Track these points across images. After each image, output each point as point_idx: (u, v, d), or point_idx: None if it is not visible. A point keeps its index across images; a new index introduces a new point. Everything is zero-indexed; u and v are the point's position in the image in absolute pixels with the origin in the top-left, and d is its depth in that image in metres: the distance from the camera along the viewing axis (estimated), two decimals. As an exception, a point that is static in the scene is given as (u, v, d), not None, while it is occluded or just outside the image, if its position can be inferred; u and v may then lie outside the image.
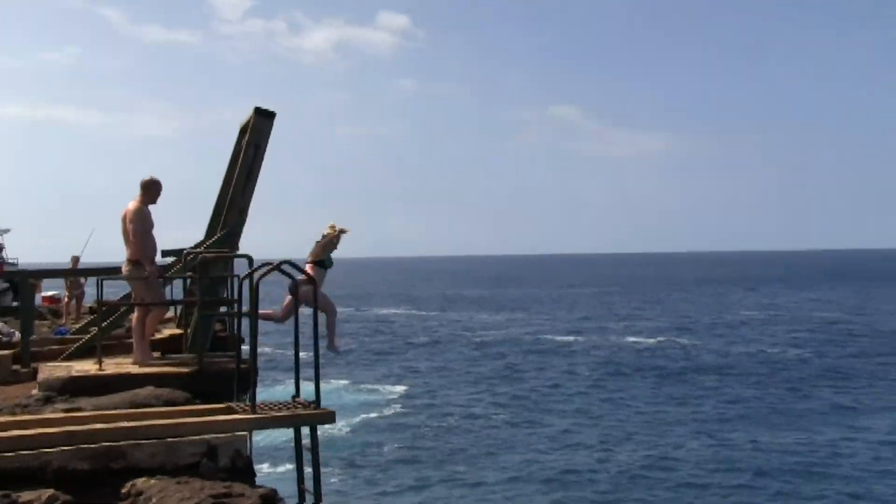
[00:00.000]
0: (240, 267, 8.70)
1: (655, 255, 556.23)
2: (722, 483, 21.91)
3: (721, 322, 66.10)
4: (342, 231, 8.71)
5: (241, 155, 10.02)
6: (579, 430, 28.63)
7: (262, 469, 20.27)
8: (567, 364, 43.94)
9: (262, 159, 10.00)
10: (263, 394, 7.35)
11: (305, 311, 7.59)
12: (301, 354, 7.00)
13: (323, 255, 8.51)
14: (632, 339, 54.94)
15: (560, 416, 31.14)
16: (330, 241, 8.59)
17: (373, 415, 30.78)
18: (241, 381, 7.04)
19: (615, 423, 29.59)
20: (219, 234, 9.89)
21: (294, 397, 6.81)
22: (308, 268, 8.27)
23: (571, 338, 56.09)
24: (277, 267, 6.73)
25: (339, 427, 26.72)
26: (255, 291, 6.60)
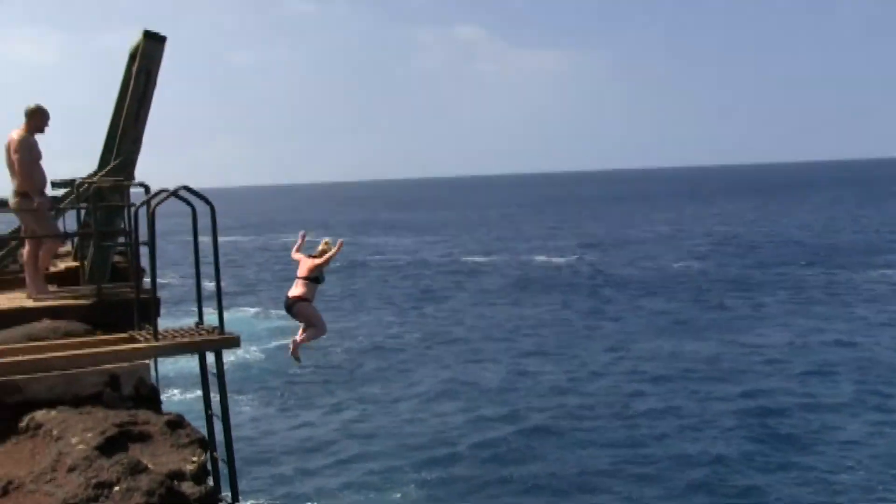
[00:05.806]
0: (136, 197, 8.46)
1: (560, 175, 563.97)
2: (630, 389, 23.09)
3: (627, 239, 68.28)
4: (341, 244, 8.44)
5: (132, 81, 9.64)
6: (490, 345, 29.47)
7: (173, 396, 20.17)
8: (479, 284, 44.84)
9: (154, 85, 9.63)
10: (170, 324, 7.30)
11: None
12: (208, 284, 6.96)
13: (318, 272, 8.31)
14: (542, 257, 56.23)
15: (472, 331, 31.96)
16: (329, 258, 8.34)
17: (285, 341, 30.77)
18: (143, 311, 6.94)
19: (526, 337, 30.55)
20: (113, 163, 9.58)
21: (197, 324, 6.79)
22: (301, 284, 8.20)
23: (483, 258, 57.07)
24: (174, 193, 6.60)
25: (252, 353, 26.66)
26: (152, 219, 6.48)
